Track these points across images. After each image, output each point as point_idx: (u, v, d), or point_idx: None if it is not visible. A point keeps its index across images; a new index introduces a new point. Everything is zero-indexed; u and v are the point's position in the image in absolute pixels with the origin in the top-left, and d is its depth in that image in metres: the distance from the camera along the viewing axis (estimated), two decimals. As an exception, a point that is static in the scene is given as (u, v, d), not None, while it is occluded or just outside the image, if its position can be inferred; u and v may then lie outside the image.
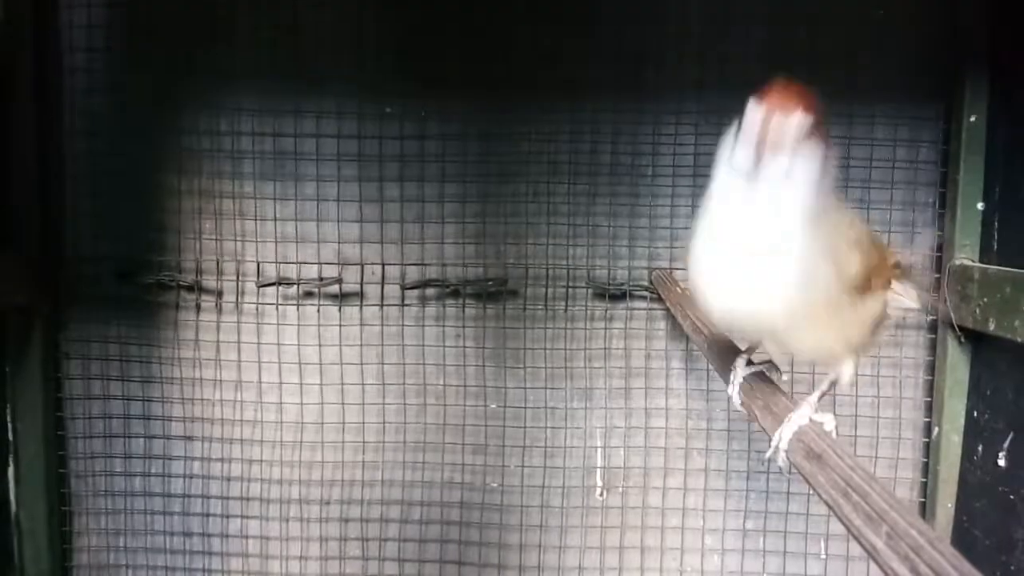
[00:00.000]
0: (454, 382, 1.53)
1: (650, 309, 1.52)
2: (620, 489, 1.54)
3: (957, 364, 1.40)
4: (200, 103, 1.48)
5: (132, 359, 1.52)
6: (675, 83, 1.45)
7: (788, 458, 0.77)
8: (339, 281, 1.50)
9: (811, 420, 0.77)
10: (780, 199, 0.68)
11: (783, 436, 0.77)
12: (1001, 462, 1.28)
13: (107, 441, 1.53)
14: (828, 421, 0.78)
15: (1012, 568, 1.24)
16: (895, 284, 0.89)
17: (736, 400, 0.89)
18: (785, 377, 0.76)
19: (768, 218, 0.69)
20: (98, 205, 1.49)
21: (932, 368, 1.46)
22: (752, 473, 1.52)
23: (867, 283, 0.78)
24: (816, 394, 0.81)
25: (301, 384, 1.53)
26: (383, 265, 1.50)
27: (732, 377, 0.91)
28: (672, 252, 1.50)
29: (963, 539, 1.36)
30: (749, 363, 0.91)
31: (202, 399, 1.52)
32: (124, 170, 1.48)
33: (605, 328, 1.52)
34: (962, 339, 1.38)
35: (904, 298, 0.92)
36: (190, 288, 1.50)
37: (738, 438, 1.52)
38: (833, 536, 1.49)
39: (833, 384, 0.84)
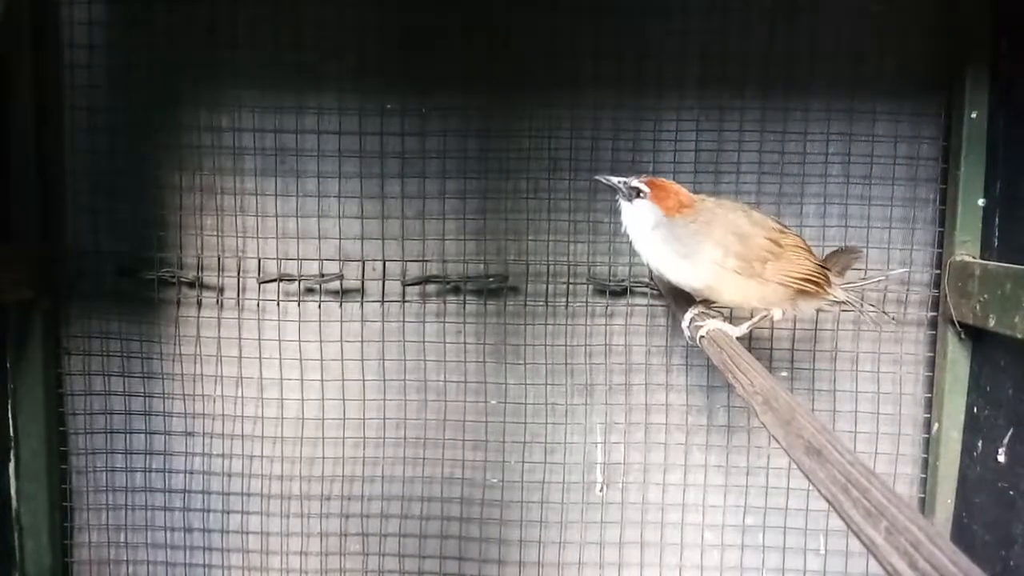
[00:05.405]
0: (454, 378, 1.53)
1: (651, 305, 1.52)
2: (620, 485, 1.55)
3: (957, 360, 1.40)
4: (201, 99, 1.48)
5: (133, 355, 1.52)
6: (676, 80, 1.45)
7: (689, 331, 1.11)
8: (340, 277, 1.50)
9: (717, 327, 1.05)
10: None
11: (688, 318, 1.13)
12: (1001, 458, 1.29)
13: (108, 437, 1.53)
14: (731, 328, 1.06)
15: (1011, 563, 1.24)
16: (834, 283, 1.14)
17: (686, 332, 1.14)
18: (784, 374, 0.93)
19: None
20: (99, 201, 1.49)
21: (932, 364, 1.46)
22: (752, 469, 1.52)
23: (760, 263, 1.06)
24: (745, 325, 1.09)
25: (302, 380, 1.53)
26: (384, 261, 1.50)
27: (688, 314, 1.16)
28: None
29: (962, 535, 1.36)
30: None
31: (203, 395, 1.52)
32: (125, 166, 1.48)
33: (606, 324, 1.52)
34: (962, 335, 1.38)
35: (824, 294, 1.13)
36: (191, 284, 1.50)
37: (738, 434, 1.52)
38: (832, 532, 1.50)
39: (764, 318, 1.11)
